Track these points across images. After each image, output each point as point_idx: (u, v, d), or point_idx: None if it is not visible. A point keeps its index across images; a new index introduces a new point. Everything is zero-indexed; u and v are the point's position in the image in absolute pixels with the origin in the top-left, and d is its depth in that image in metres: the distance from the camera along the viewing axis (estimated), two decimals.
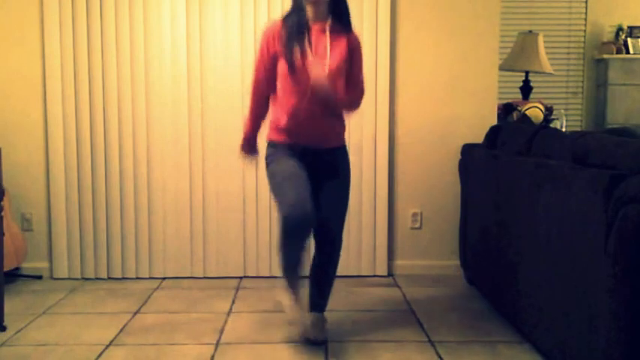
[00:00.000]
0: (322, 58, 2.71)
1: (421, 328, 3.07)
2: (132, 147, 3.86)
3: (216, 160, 3.89)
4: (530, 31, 4.69)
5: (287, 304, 2.70)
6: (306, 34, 2.73)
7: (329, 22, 2.77)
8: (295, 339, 2.90)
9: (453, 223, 3.97)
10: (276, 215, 3.90)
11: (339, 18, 2.79)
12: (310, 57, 2.69)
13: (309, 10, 2.75)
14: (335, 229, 2.86)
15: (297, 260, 2.69)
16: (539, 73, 4.65)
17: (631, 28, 6.22)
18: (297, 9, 2.77)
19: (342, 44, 2.77)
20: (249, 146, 2.97)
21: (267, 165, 2.84)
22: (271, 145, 2.85)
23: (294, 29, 2.73)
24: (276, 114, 2.80)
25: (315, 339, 2.84)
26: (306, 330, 2.86)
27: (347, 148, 2.96)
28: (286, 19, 2.78)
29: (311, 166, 2.78)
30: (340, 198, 2.90)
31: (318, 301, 2.96)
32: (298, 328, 2.88)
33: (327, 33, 2.75)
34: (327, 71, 2.69)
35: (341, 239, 2.91)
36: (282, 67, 2.73)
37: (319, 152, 2.81)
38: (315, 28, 2.76)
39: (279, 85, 2.76)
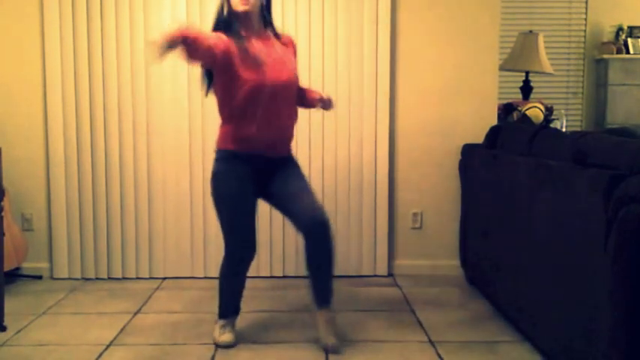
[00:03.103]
0: (280, 68, 2.71)
1: (421, 327, 3.07)
2: (132, 147, 3.87)
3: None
4: (531, 31, 4.69)
5: (217, 333, 2.87)
6: (252, 44, 2.67)
7: (266, 32, 2.76)
8: (295, 339, 2.90)
9: (453, 223, 3.97)
10: (276, 216, 3.90)
11: (270, 24, 2.80)
12: (264, 62, 2.66)
13: (240, 24, 2.66)
14: (320, 210, 2.75)
15: (240, 288, 2.92)
16: (540, 73, 4.65)
17: (631, 28, 6.22)
18: (223, 23, 2.66)
19: (288, 50, 2.84)
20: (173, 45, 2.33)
21: (216, 183, 2.75)
22: (223, 157, 2.75)
23: (236, 40, 2.63)
24: (239, 126, 2.69)
25: (332, 348, 2.75)
26: (320, 335, 2.79)
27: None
28: (216, 29, 2.66)
29: (264, 175, 2.79)
30: (307, 184, 2.86)
31: (321, 297, 2.83)
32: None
33: (275, 42, 2.78)
34: (290, 76, 2.76)
35: (328, 220, 2.76)
36: (244, 74, 2.61)
37: (273, 161, 2.80)
38: (254, 39, 2.69)
39: (239, 98, 2.64)
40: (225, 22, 2.66)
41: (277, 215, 3.91)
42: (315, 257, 2.78)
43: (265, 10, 2.76)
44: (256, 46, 2.68)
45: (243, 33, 2.67)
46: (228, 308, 2.91)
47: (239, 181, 2.72)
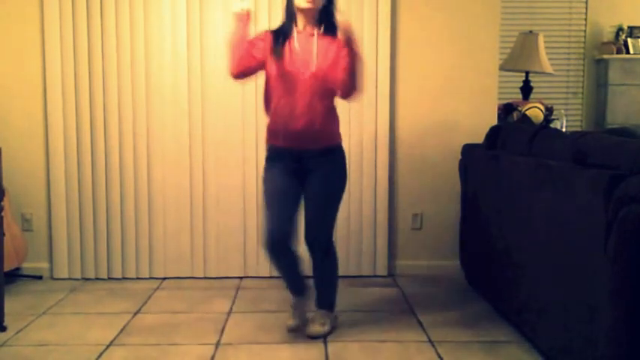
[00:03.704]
0: (309, 60, 2.79)
1: (421, 328, 3.07)
2: (132, 148, 3.86)
3: (216, 160, 3.89)
4: (531, 31, 4.69)
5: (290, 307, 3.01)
6: (294, 38, 2.83)
7: (318, 29, 2.85)
8: (295, 339, 2.90)
9: (453, 223, 3.97)
10: None
11: (329, 28, 2.86)
12: (295, 58, 2.79)
13: (300, 18, 2.85)
14: (320, 235, 2.94)
15: (288, 271, 2.98)
16: (540, 73, 4.65)
17: (631, 28, 6.22)
18: (287, 18, 2.88)
19: (331, 47, 2.83)
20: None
21: (264, 171, 2.97)
22: (268, 150, 2.96)
23: (280, 34, 2.85)
24: (271, 117, 2.91)
25: (309, 334, 2.92)
26: (307, 326, 2.97)
27: (343, 148, 2.97)
28: (278, 28, 2.90)
29: (301, 171, 2.87)
30: (327, 203, 2.94)
31: (321, 299, 3.04)
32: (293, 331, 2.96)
33: (315, 37, 2.83)
34: (314, 70, 2.78)
35: (329, 244, 2.99)
36: (270, 69, 2.83)
37: (311, 155, 2.86)
38: (303, 32, 2.85)
39: (269, 89, 2.87)
40: (290, 14, 2.86)
41: None
42: (315, 274, 3.04)
43: (328, 8, 2.85)
44: (296, 41, 2.83)
45: (300, 23, 2.85)
46: (290, 287, 3.02)
47: (277, 168, 2.89)
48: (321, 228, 2.94)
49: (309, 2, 2.78)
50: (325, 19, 2.86)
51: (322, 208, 2.93)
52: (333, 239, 3.03)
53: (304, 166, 2.88)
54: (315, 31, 2.85)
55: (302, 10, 2.82)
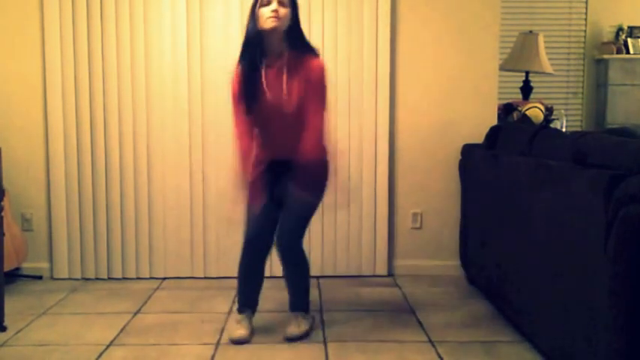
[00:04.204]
0: (279, 98, 2.77)
1: (421, 328, 3.08)
2: (132, 148, 3.87)
3: (216, 160, 3.89)
4: (531, 31, 4.69)
5: (232, 328, 2.97)
6: (263, 72, 2.79)
7: (286, 55, 2.78)
8: (298, 337, 2.91)
9: (453, 223, 3.97)
10: None
11: (295, 45, 2.80)
12: (267, 96, 2.78)
13: (267, 41, 2.77)
14: (292, 241, 2.91)
15: (254, 280, 3.03)
16: (540, 73, 4.65)
17: (631, 28, 6.22)
18: (250, 44, 2.79)
19: (299, 80, 2.78)
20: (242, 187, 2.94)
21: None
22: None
23: (248, 69, 2.80)
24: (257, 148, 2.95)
25: (287, 336, 2.92)
26: (286, 329, 2.97)
27: (327, 162, 2.94)
28: (242, 57, 2.83)
29: (282, 176, 2.88)
30: (302, 211, 2.90)
31: (295, 303, 3.03)
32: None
33: (284, 70, 2.78)
34: (288, 109, 2.77)
35: (299, 249, 2.94)
36: (245, 104, 2.84)
37: (293, 163, 2.83)
38: (271, 66, 2.79)
39: (245, 118, 2.88)
40: (253, 38, 2.78)
41: None
42: (286, 278, 3.03)
43: (294, 30, 2.80)
44: (265, 78, 2.79)
45: (266, 45, 2.78)
46: (241, 302, 3.01)
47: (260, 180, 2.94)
48: (293, 234, 2.90)
49: (273, 22, 2.70)
50: (293, 38, 2.79)
51: (296, 216, 2.90)
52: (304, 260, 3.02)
53: (285, 171, 2.87)
54: (285, 62, 2.77)
55: (268, 32, 2.74)
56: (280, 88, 2.77)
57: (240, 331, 2.90)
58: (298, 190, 2.82)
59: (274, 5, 2.71)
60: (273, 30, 2.72)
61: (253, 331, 2.96)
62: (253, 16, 2.76)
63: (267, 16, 2.70)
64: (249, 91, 2.80)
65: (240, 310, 3.00)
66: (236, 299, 3.51)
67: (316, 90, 2.80)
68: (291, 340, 2.90)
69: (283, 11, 2.73)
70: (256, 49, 2.78)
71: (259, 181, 2.90)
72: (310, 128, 2.79)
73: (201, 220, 3.91)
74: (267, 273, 3.90)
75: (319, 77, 2.81)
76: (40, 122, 3.88)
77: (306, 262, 3.02)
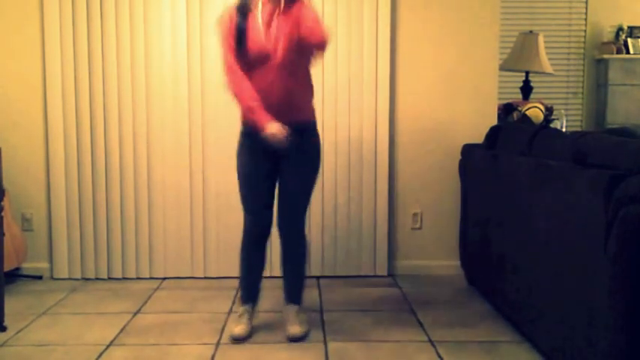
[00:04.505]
0: (272, 42, 2.73)
1: (421, 327, 3.08)
2: (132, 147, 3.87)
3: (216, 160, 3.89)
4: (531, 31, 4.69)
5: (237, 312, 2.98)
6: (258, 11, 2.76)
7: (282, 2, 2.75)
8: (302, 337, 2.91)
9: (453, 223, 3.97)
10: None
11: None
12: (260, 37, 2.73)
13: None
14: (295, 221, 2.92)
15: (254, 270, 3.00)
16: (540, 73, 4.65)
17: (631, 28, 6.22)
18: None
19: (291, 27, 2.74)
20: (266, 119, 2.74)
21: (237, 153, 2.95)
22: (242, 129, 2.91)
23: (244, 9, 2.78)
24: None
25: (292, 336, 2.89)
26: (286, 327, 2.95)
27: (316, 127, 2.94)
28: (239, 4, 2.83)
29: (275, 152, 2.81)
30: (302, 189, 2.91)
31: (293, 293, 3.02)
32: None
33: (276, 16, 2.75)
34: (279, 52, 2.72)
35: (302, 229, 2.94)
36: (236, 46, 2.77)
37: (291, 131, 2.77)
38: (265, 10, 2.77)
39: (235, 64, 2.79)
40: None
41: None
42: (286, 264, 3.00)
43: None
44: (261, 17, 2.76)
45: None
46: (245, 293, 3.01)
47: (249, 148, 2.88)
48: (295, 213, 2.91)
49: None
50: None
51: (297, 194, 2.90)
52: (307, 245, 3.02)
53: (279, 152, 2.81)
54: (279, 8, 2.75)
55: None
56: (269, 33, 2.74)
57: (240, 327, 2.90)
58: (299, 169, 2.85)
59: None
60: None
61: (252, 328, 2.96)
62: None
63: None
64: (240, 35, 2.75)
65: (242, 302, 3.01)
66: (236, 299, 3.51)
67: (309, 18, 2.73)
68: (294, 340, 2.89)
69: None
70: (252, 3, 2.77)
71: (254, 147, 2.84)
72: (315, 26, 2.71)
73: (202, 220, 3.91)
74: (266, 273, 3.90)
75: (310, 12, 2.75)
76: (40, 122, 3.88)
77: (306, 247, 3.01)
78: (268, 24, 2.77)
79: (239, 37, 2.75)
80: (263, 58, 2.74)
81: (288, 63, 2.75)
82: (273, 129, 2.70)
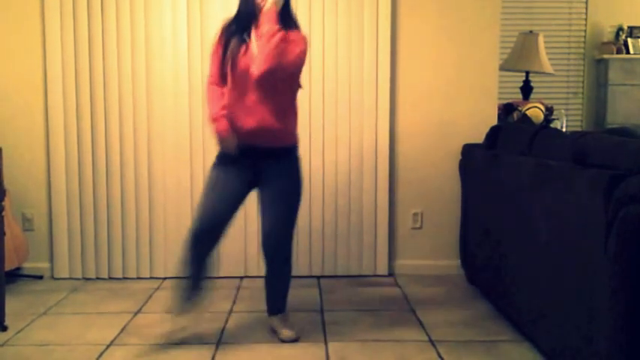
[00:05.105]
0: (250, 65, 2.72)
1: (422, 327, 3.08)
2: (133, 147, 3.87)
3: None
4: (531, 31, 4.69)
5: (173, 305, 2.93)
6: (252, 40, 2.75)
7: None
8: (296, 339, 2.91)
9: (453, 223, 3.98)
10: None
11: (284, 22, 2.75)
12: (247, 58, 2.72)
13: (260, 16, 2.75)
14: (282, 243, 2.88)
15: (198, 272, 2.90)
16: (540, 73, 4.65)
17: (631, 28, 6.22)
18: (243, 19, 2.79)
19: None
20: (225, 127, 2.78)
21: (213, 168, 2.91)
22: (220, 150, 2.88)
23: (239, 26, 2.78)
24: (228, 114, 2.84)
25: (284, 339, 2.89)
26: (277, 333, 2.93)
27: (297, 150, 2.92)
28: (232, 27, 2.81)
29: (254, 172, 2.81)
30: (285, 210, 2.87)
31: (279, 305, 3.00)
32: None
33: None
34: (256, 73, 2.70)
35: (287, 252, 2.91)
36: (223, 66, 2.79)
37: (266, 153, 2.80)
38: (257, 31, 2.76)
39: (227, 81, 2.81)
40: (248, 13, 2.78)
41: None
42: (269, 282, 2.99)
43: (285, 8, 2.79)
44: (254, 42, 2.75)
45: (255, 27, 2.76)
46: (188, 291, 2.92)
47: (226, 165, 2.84)
48: (283, 236, 2.87)
49: (273, 2, 2.70)
50: (283, 16, 2.76)
51: (283, 217, 2.85)
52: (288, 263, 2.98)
53: (258, 170, 2.82)
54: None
55: (265, 10, 2.73)
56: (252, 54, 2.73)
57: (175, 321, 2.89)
58: (283, 192, 2.81)
59: None
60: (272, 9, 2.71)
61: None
62: None
63: None
64: (229, 59, 2.76)
65: (177, 313, 2.96)
66: (236, 299, 3.52)
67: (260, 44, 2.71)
68: (290, 341, 2.88)
69: None
70: (248, 24, 2.77)
71: (231, 165, 2.82)
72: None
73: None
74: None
75: (297, 47, 2.76)
76: (40, 122, 3.88)
77: (290, 269, 2.98)
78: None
79: (225, 53, 2.78)
80: (245, 77, 2.73)
81: (265, 83, 2.72)
82: (224, 134, 2.76)
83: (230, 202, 2.83)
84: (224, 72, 2.80)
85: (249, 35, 2.76)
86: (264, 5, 2.72)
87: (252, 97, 2.74)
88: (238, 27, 2.79)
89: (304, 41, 2.80)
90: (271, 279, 2.99)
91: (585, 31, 6.30)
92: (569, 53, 6.31)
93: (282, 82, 2.78)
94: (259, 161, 2.82)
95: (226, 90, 2.80)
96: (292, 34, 2.78)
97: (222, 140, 2.79)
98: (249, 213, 3.92)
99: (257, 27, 2.76)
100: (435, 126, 3.97)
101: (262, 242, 2.88)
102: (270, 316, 3.01)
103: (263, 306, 3.36)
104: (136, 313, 3.28)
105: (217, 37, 2.86)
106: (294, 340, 2.89)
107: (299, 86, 2.89)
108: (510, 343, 2.87)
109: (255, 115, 2.74)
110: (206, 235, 2.81)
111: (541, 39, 4.59)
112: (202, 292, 2.96)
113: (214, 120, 2.79)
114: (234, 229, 3.92)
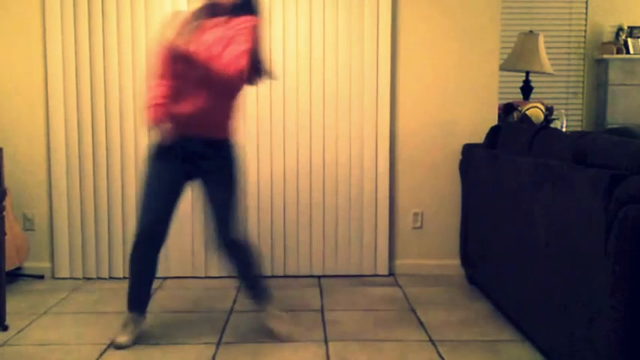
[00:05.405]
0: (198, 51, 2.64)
1: (422, 327, 3.08)
2: (133, 147, 3.87)
3: None
4: (531, 31, 4.69)
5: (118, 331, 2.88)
6: (201, 23, 2.69)
7: (226, 18, 2.70)
8: (296, 338, 2.91)
9: (453, 222, 3.98)
10: (277, 215, 3.91)
11: (238, 8, 2.71)
12: (193, 44, 2.63)
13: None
14: (234, 232, 2.83)
15: (143, 277, 2.88)
16: (540, 73, 4.65)
17: (631, 28, 6.23)
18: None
19: (225, 33, 2.67)
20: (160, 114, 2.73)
21: (148, 162, 2.85)
22: (159, 144, 2.83)
23: (191, 18, 2.71)
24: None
25: (279, 338, 2.89)
26: (271, 329, 2.92)
27: (233, 144, 2.86)
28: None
29: (191, 166, 2.77)
30: (231, 200, 2.83)
31: (255, 293, 2.97)
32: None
33: (218, 23, 2.69)
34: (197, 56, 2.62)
35: (242, 237, 2.86)
36: (168, 52, 2.71)
37: (202, 145, 2.75)
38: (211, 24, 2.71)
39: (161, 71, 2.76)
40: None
41: (279, 214, 3.92)
42: (238, 275, 2.93)
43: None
44: (207, 22, 2.70)
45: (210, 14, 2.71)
46: (132, 300, 2.91)
47: (161, 161, 2.79)
48: (232, 225, 2.82)
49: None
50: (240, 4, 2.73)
51: (228, 207, 2.82)
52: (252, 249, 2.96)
53: (194, 165, 2.77)
54: (222, 22, 2.69)
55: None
56: (201, 42, 2.64)
57: (122, 338, 2.82)
58: (223, 184, 2.77)
59: None
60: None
61: (139, 335, 2.88)
62: None
63: None
64: (180, 34, 2.66)
65: (128, 309, 2.91)
66: (236, 298, 3.52)
67: (238, 34, 2.65)
68: (286, 340, 2.88)
69: None
70: (206, 7, 2.73)
71: (165, 159, 2.79)
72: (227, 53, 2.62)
73: (203, 219, 3.92)
74: (267, 272, 3.94)
75: (244, 26, 2.68)
76: (41, 122, 3.89)
77: (252, 251, 2.92)
78: (206, 31, 2.67)
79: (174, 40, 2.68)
80: (188, 67, 2.67)
81: (205, 76, 2.65)
82: (157, 123, 2.71)
83: (169, 199, 2.81)
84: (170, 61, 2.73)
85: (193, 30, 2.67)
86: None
87: (194, 85, 2.68)
88: (200, 13, 2.72)
89: (251, 21, 2.70)
90: (241, 271, 2.93)
91: (585, 31, 6.30)
92: (569, 53, 6.31)
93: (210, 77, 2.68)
94: (195, 154, 2.76)
95: (165, 80, 2.74)
96: (243, 17, 2.69)
97: (155, 128, 2.74)
98: (249, 212, 3.92)
99: (214, 14, 2.71)
100: (435, 126, 3.98)
101: (219, 238, 2.82)
102: (262, 312, 2.98)
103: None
104: None
105: (172, 25, 2.73)
106: (288, 335, 2.89)
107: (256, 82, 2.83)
108: (510, 343, 2.87)
109: (194, 103, 2.68)
110: (150, 235, 2.79)
111: (541, 39, 4.59)
112: (148, 295, 2.95)
113: (150, 107, 2.73)
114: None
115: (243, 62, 2.61)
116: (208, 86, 2.67)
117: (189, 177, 2.84)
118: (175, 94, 2.71)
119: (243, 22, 2.69)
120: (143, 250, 2.82)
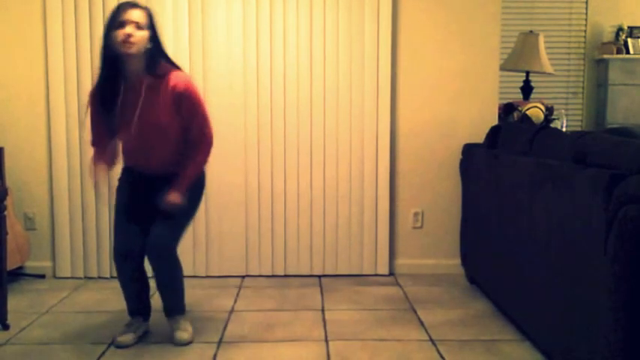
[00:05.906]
0: (131, 124, 2.68)
1: (422, 326, 3.09)
2: None
3: (217, 159, 3.89)
4: (531, 31, 4.69)
5: (119, 331, 2.90)
6: (122, 91, 2.69)
7: (145, 81, 2.67)
8: (296, 338, 2.92)
9: (454, 222, 3.99)
10: (278, 215, 3.92)
11: (152, 69, 2.67)
12: (127, 112, 2.68)
13: (126, 64, 2.66)
14: (156, 248, 2.79)
15: (132, 288, 2.91)
16: (540, 73, 4.66)
17: (631, 28, 6.23)
18: (108, 67, 2.67)
19: (161, 99, 2.68)
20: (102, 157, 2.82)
21: (116, 188, 2.95)
22: (122, 168, 2.95)
23: (106, 90, 2.69)
24: (122, 154, 2.91)
25: (177, 342, 2.84)
26: (173, 335, 2.88)
27: (201, 175, 2.93)
28: (100, 77, 2.70)
29: (149, 186, 2.81)
30: (169, 214, 2.78)
31: (171, 307, 2.93)
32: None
33: (141, 96, 2.67)
34: (134, 131, 2.68)
35: (169, 255, 2.83)
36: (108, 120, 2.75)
37: (158, 177, 2.81)
38: (131, 88, 2.69)
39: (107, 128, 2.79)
40: (111, 60, 2.66)
41: (279, 214, 3.93)
42: (158, 279, 2.87)
43: (153, 54, 2.68)
44: (124, 95, 2.70)
45: (127, 67, 2.67)
46: (130, 308, 2.96)
47: (125, 186, 2.91)
48: (162, 239, 2.78)
49: (127, 47, 2.57)
50: (151, 62, 2.67)
51: (165, 219, 2.77)
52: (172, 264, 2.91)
53: (153, 187, 2.79)
54: (143, 87, 2.66)
55: (124, 56, 2.61)
56: (133, 114, 2.67)
57: (124, 337, 2.83)
58: (169, 194, 2.73)
59: (129, 29, 2.58)
60: (128, 54, 2.60)
61: (142, 335, 2.90)
62: (109, 37, 2.62)
63: (121, 40, 2.57)
64: (106, 113, 2.71)
65: (129, 314, 2.95)
66: (237, 298, 3.53)
67: (192, 110, 2.75)
68: (183, 345, 2.83)
69: (139, 35, 2.60)
70: (115, 71, 2.67)
71: (128, 187, 2.89)
72: (199, 144, 2.80)
73: (203, 219, 3.92)
74: (268, 272, 3.95)
75: (191, 98, 2.73)
76: (42, 122, 3.89)
77: (179, 266, 2.91)
78: (132, 105, 2.68)
79: (105, 112, 2.74)
80: (131, 134, 2.73)
81: (159, 135, 2.74)
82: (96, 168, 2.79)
83: (136, 221, 2.84)
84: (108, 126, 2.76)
85: (121, 88, 2.69)
86: (123, 52, 2.60)
87: (145, 146, 2.75)
88: (109, 82, 2.68)
89: (186, 84, 2.73)
90: (161, 283, 2.89)
91: (585, 31, 6.30)
92: (569, 53, 6.31)
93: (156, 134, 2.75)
94: (154, 181, 2.81)
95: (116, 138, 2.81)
96: (172, 79, 2.69)
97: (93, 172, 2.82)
98: (250, 212, 3.93)
99: (128, 77, 2.68)
100: (435, 126, 3.98)
101: (147, 246, 2.79)
102: (168, 318, 2.94)
103: (265, 304, 3.38)
104: None
105: (90, 100, 2.79)
106: (186, 343, 2.84)
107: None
108: (510, 343, 2.88)
109: (153, 161, 2.80)
110: (124, 255, 2.83)
111: (541, 39, 4.60)
112: (145, 302, 2.97)
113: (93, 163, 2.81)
114: (236, 227, 3.94)
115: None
116: (162, 143, 2.78)
117: (148, 200, 2.81)
118: (136, 154, 2.85)
119: (177, 86, 2.72)
120: (121, 268, 2.87)
